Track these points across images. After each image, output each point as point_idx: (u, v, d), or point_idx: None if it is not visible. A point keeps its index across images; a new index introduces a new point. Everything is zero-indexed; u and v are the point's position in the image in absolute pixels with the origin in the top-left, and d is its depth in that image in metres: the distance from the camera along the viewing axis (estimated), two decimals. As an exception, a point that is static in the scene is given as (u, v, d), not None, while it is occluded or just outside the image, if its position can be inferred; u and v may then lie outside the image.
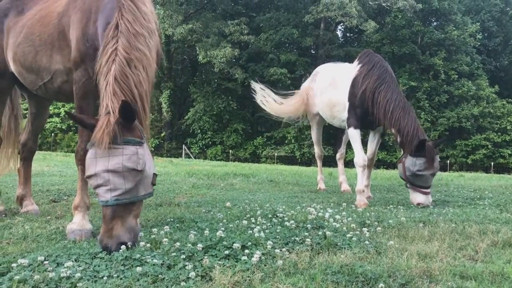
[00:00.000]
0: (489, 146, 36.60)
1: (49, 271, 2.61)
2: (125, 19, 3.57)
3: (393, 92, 6.16)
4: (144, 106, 3.45)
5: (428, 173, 5.97)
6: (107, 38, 3.54)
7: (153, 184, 3.40)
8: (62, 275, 2.53)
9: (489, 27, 42.92)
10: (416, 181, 6.01)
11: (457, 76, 37.78)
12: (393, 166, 33.00)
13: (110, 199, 3.10)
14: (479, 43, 40.78)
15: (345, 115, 6.62)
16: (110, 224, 3.11)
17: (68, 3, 4.17)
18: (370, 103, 6.23)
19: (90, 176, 3.18)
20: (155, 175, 3.42)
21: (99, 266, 2.71)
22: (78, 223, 3.78)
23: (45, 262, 2.75)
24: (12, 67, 4.65)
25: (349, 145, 7.53)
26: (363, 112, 6.37)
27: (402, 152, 6.22)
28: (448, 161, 35.90)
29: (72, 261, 2.75)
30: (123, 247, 3.03)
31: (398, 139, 6.16)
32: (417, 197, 6.03)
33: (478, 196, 7.23)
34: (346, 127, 6.70)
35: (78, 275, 2.54)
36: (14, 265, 2.70)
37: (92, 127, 3.24)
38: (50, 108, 5.55)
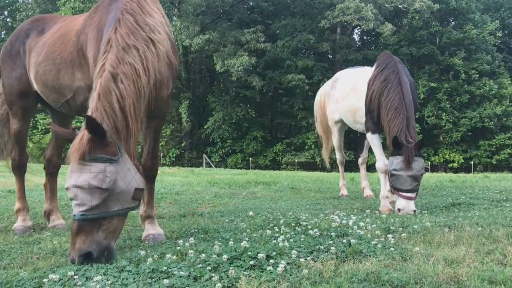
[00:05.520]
0: (514, 146, 35.93)
1: (79, 286, 2.66)
2: (118, 33, 3.55)
3: (394, 92, 5.88)
4: (127, 121, 3.37)
5: (405, 174, 5.40)
6: (100, 54, 3.56)
7: (136, 198, 3.36)
8: (92, 289, 2.58)
9: (509, 24, 42.25)
10: (395, 183, 5.52)
11: (478, 75, 37.23)
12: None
13: (77, 213, 3.15)
14: (499, 41, 40.14)
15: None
16: (76, 237, 3.15)
17: (85, 20, 4.21)
18: (376, 105, 6.12)
19: (66, 189, 3.26)
20: (138, 189, 3.35)
21: (127, 279, 2.75)
22: None
23: (75, 276, 2.79)
24: (35, 85, 4.71)
25: (371, 150, 7.47)
26: (377, 115, 6.21)
27: None
28: (472, 162, 35.31)
29: (101, 275, 2.79)
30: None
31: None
32: (397, 202, 5.56)
33: (504, 198, 7.10)
34: (365, 132, 6.64)
35: (107, 288, 2.59)
36: (45, 280, 2.75)
37: (70, 141, 3.28)
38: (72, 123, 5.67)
